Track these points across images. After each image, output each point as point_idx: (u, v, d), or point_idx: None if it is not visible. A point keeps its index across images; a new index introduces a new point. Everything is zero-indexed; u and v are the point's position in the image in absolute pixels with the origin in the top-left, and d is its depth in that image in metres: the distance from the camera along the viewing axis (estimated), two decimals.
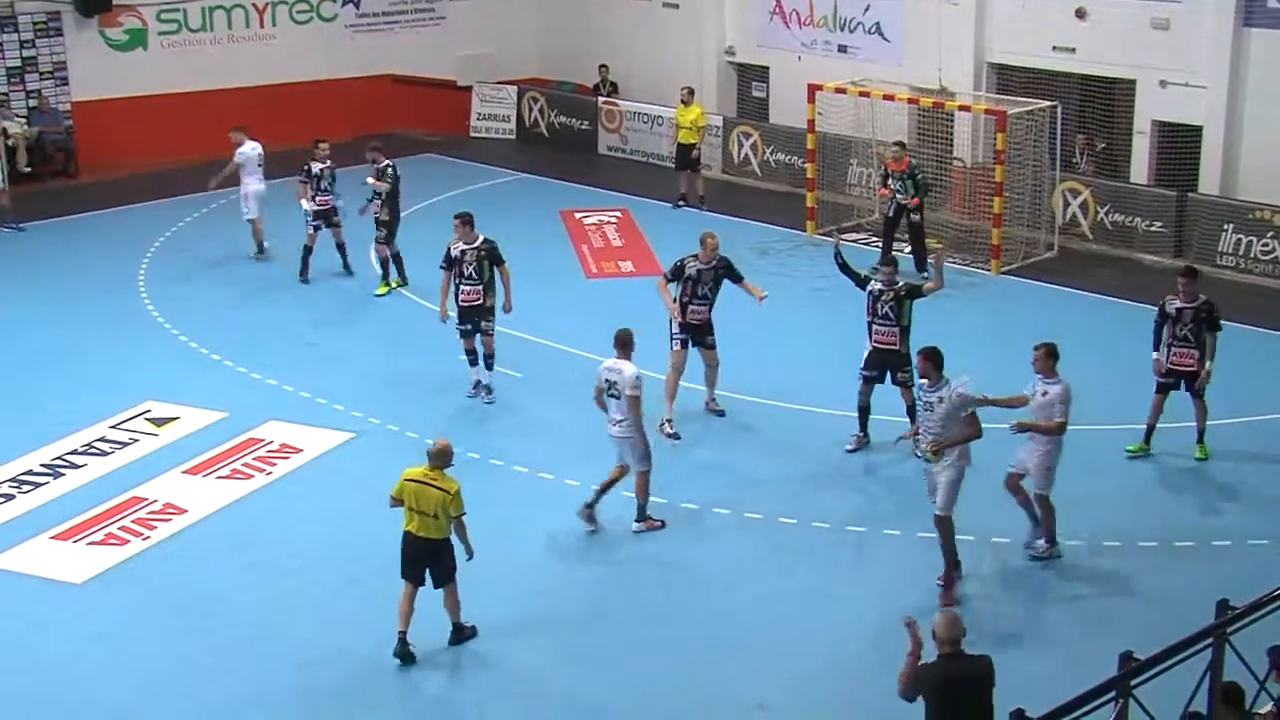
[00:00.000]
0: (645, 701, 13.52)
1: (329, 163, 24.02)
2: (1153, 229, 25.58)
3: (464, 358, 19.91)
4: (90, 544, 16.16)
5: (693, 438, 18.70)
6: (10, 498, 17.25)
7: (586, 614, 15.05)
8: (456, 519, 13.72)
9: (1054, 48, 27.32)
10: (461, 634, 14.26)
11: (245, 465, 18.08)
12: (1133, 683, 8.58)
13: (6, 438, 18.58)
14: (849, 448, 18.33)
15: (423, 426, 18.65)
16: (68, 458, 18.16)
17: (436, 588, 14.01)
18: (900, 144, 25.28)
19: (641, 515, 16.32)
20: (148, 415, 19.35)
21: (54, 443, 18.40)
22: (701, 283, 18.72)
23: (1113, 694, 8.26)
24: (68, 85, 31.07)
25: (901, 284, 17.95)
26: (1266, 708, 10.06)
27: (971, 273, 25.08)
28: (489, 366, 19.92)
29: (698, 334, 18.86)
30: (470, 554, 13.90)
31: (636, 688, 13.73)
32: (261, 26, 32.98)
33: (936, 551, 15.08)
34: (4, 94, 30.34)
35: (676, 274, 18.80)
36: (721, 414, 19.26)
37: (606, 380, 16.02)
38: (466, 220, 19.69)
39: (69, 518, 16.54)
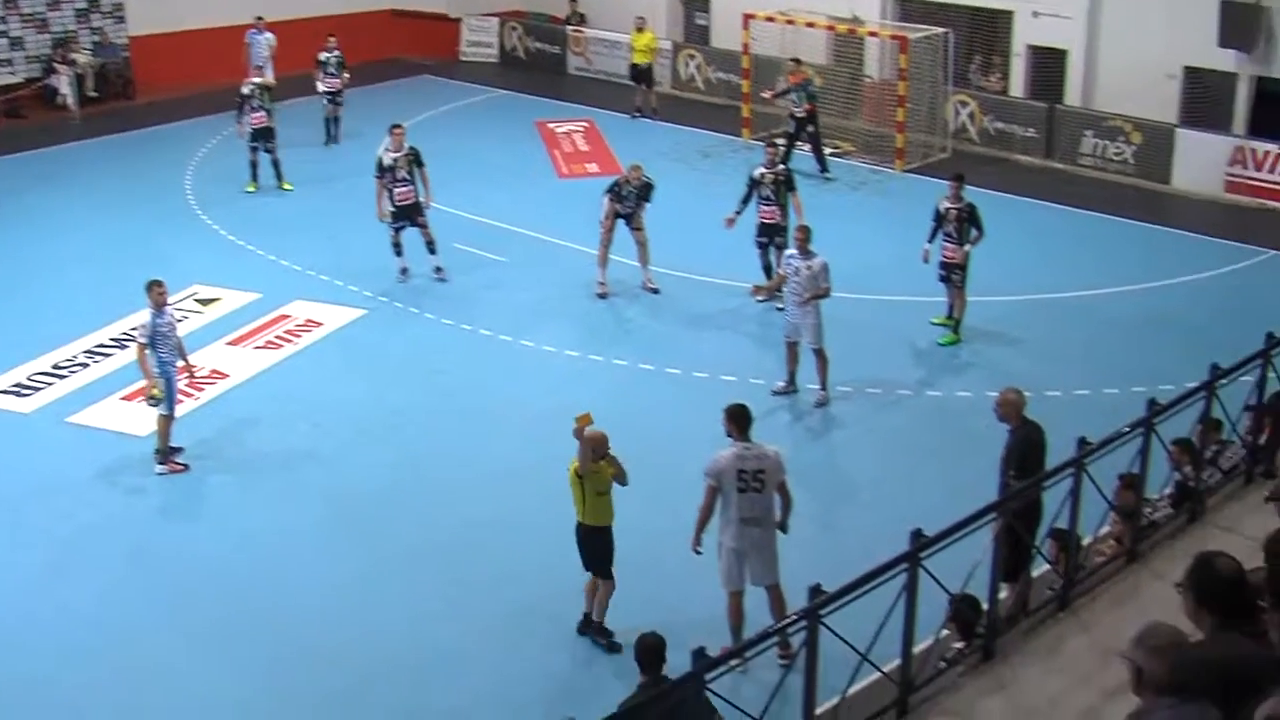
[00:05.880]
0: None
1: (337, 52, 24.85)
2: (1028, 134, 25.43)
3: (393, 249, 19.36)
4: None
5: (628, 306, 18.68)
6: (85, 366, 17.17)
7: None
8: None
9: None
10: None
11: (277, 337, 17.97)
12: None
13: (78, 317, 18.37)
14: (759, 299, 18.31)
15: (422, 304, 18.74)
16: (130, 333, 17.62)
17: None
18: (796, 60, 25.05)
19: (163, 459, 14.53)
20: (195, 296, 19.12)
21: (116, 320, 18.10)
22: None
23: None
24: (124, 23, 30.46)
25: (780, 170, 18.15)
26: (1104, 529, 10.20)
27: (879, 171, 24.94)
28: (432, 251, 19.41)
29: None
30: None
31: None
32: None
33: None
34: (72, 31, 29.75)
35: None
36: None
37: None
38: (401, 131, 19.39)
39: (131, 382, 16.32)
